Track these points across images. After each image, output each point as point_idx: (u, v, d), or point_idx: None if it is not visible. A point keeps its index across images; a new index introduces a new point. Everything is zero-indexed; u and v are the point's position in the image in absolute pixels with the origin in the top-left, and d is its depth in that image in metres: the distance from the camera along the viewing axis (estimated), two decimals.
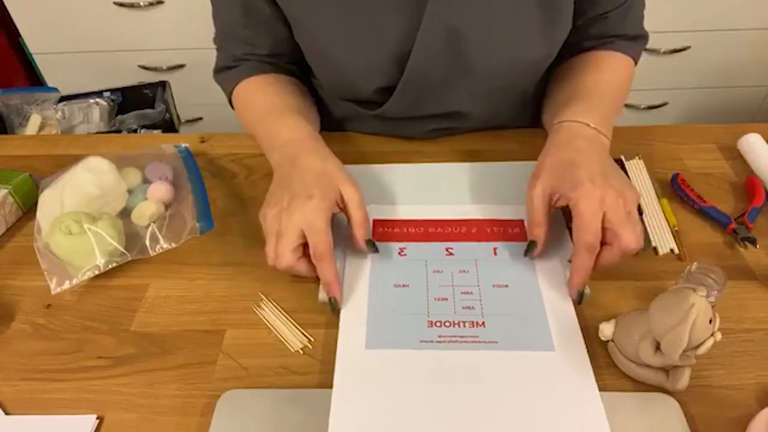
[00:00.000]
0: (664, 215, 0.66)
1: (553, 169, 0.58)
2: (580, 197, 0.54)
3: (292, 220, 0.55)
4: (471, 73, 0.68)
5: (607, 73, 0.71)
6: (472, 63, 0.67)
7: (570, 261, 0.56)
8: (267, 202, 0.59)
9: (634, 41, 0.73)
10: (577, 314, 0.54)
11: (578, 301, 0.55)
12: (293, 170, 0.60)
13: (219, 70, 0.77)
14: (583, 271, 0.54)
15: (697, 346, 0.46)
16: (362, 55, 0.67)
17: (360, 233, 0.58)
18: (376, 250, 0.59)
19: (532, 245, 0.58)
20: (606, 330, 0.52)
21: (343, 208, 0.58)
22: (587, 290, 0.56)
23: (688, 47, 1.71)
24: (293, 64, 0.76)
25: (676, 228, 0.64)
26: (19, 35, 1.69)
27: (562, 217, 0.65)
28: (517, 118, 0.80)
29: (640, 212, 0.66)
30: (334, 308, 0.55)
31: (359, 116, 0.76)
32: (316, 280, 0.56)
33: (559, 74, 0.74)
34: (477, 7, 0.63)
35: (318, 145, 0.63)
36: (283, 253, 0.55)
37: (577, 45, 0.72)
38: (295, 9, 0.67)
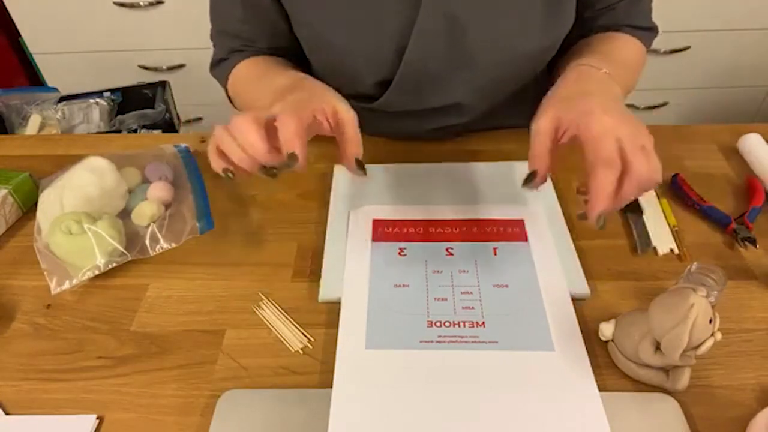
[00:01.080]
0: (664, 215, 0.66)
1: (561, 101, 0.53)
2: (591, 121, 0.49)
3: (275, 107, 0.51)
4: (470, 65, 0.67)
5: (619, 47, 0.70)
6: (471, 53, 0.66)
7: (580, 217, 0.50)
8: None
9: (645, 31, 0.73)
10: (577, 314, 0.54)
11: (599, 226, 0.48)
12: (290, 91, 0.56)
13: (215, 63, 0.77)
14: (603, 190, 0.47)
15: (697, 346, 0.46)
16: (361, 45, 0.66)
17: (352, 151, 0.53)
18: (364, 173, 0.54)
19: (530, 176, 0.52)
20: (606, 330, 0.52)
21: (333, 125, 0.54)
22: (604, 219, 0.49)
23: (688, 47, 1.71)
24: (292, 57, 0.75)
25: (676, 228, 0.64)
26: (19, 35, 1.69)
27: (561, 216, 0.65)
28: (517, 114, 0.79)
29: (640, 212, 0.66)
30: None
31: (358, 113, 0.76)
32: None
33: (569, 50, 0.72)
34: None
35: (320, 82, 0.59)
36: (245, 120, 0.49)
37: (584, 36, 0.72)
38: (295, 3, 0.66)
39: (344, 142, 0.54)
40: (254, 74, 0.72)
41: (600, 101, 0.51)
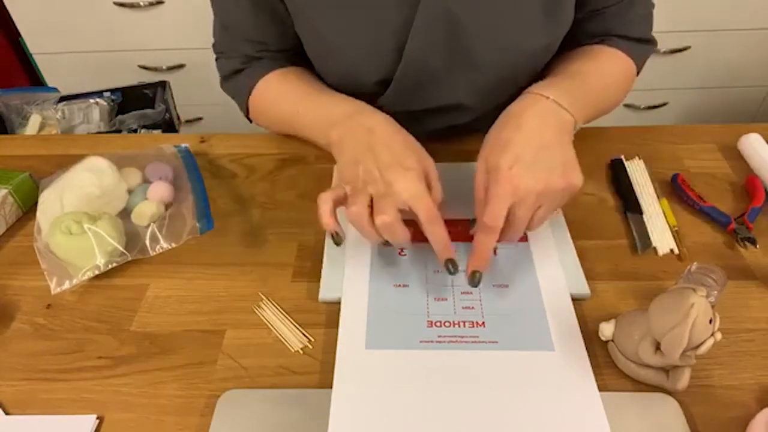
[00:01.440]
0: (664, 215, 0.66)
1: (487, 148, 0.57)
2: (493, 182, 0.53)
3: (393, 187, 0.53)
4: (470, 64, 0.67)
5: (595, 63, 0.69)
6: (471, 52, 0.66)
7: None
8: (346, 169, 0.57)
9: (637, 43, 0.71)
10: (577, 314, 0.54)
11: (471, 283, 0.54)
12: (373, 138, 0.57)
13: (228, 77, 0.76)
14: (478, 253, 0.53)
15: (697, 346, 0.46)
16: (360, 44, 0.66)
17: (437, 204, 0.56)
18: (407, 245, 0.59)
19: (473, 221, 0.58)
20: (606, 330, 0.52)
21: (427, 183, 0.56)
22: (479, 276, 0.54)
23: (688, 47, 1.71)
24: (299, 59, 0.75)
25: (676, 228, 0.64)
26: (19, 35, 1.69)
27: (562, 216, 0.65)
28: None
29: (640, 212, 0.66)
30: (451, 272, 0.54)
31: None
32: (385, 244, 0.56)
33: (551, 63, 0.72)
34: None
35: (387, 117, 0.61)
36: (386, 209, 0.52)
37: (575, 41, 0.71)
38: (297, 3, 0.66)
39: (429, 215, 0.54)
40: (292, 93, 0.71)
41: (513, 156, 0.53)
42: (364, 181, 0.54)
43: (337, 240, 0.55)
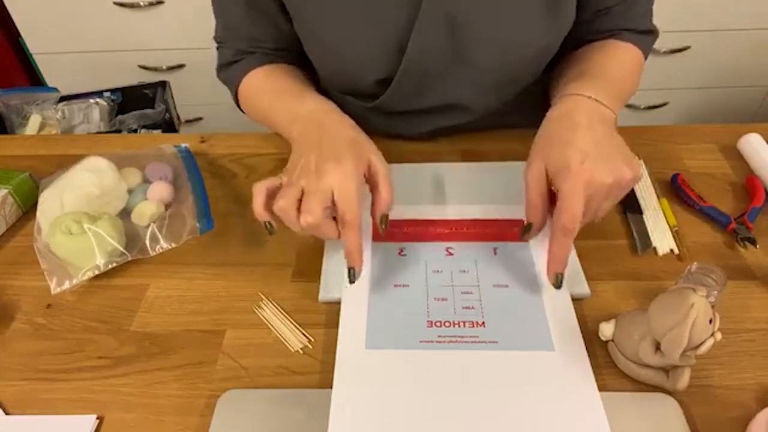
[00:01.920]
0: (664, 215, 0.66)
1: (546, 148, 0.56)
2: (563, 180, 0.52)
3: (323, 181, 0.52)
4: (471, 64, 0.67)
5: (613, 59, 0.69)
6: (471, 53, 0.66)
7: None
8: (291, 162, 0.57)
9: (642, 35, 0.72)
10: (577, 314, 0.54)
11: (556, 285, 0.54)
12: (322, 134, 0.57)
13: (223, 66, 0.76)
14: (558, 256, 0.53)
15: (697, 346, 0.46)
16: (361, 44, 0.66)
17: (383, 208, 0.56)
18: (386, 227, 0.57)
19: (528, 227, 0.56)
20: (606, 330, 0.52)
21: (369, 179, 0.56)
22: (565, 275, 0.54)
23: (688, 47, 1.71)
24: (296, 58, 0.76)
25: (676, 228, 0.64)
26: (19, 35, 1.69)
27: None
28: (519, 114, 0.79)
29: (640, 212, 0.66)
30: (352, 280, 0.55)
31: (358, 112, 0.76)
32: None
33: (565, 61, 0.73)
34: None
35: (344, 116, 0.62)
36: (312, 209, 0.52)
37: (582, 39, 0.72)
38: (296, 3, 0.66)
39: (378, 198, 0.56)
40: (270, 89, 0.71)
41: (578, 151, 0.53)
42: (299, 174, 0.54)
43: (269, 229, 0.55)
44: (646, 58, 0.74)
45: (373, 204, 0.57)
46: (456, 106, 0.73)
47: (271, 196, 0.55)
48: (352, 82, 0.72)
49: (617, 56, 0.70)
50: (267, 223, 0.55)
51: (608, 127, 0.57)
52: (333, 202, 0.53)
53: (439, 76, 0.69)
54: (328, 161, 0.54)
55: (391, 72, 0.68)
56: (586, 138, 0.54)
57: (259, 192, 0.55)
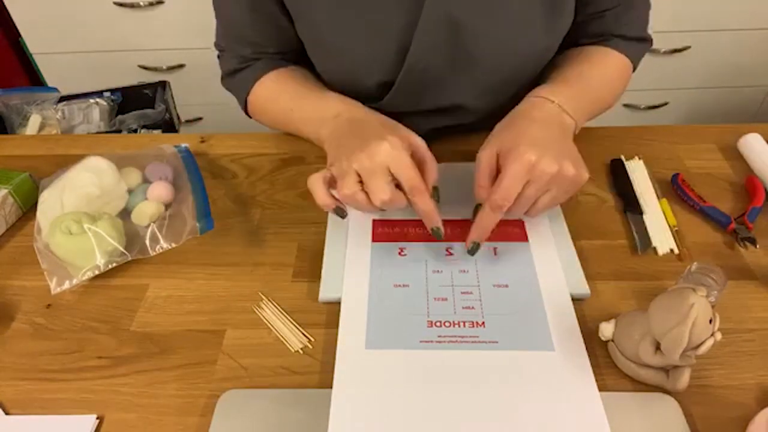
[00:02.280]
0: (664, 215, 0.66)
1: (500, 134, 0.58)
2: (510, 158, 0.53)
3: (375, 160, 0.53)
4: (472, 66, 0.68)
5: (595, 66, 0.70)
6: (473, 55, 0.66)
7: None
8: (331, 157, 0.59)
9: (635, 42, 0.72)
10: (577, 314, 0.54)
11: (470, 253, 0.58)
12: (357, 126, 0.60)
13: (228, 74, 0.77)
14: (481, 226, 0.56)
15: (697, 346, 0.46)
16: (363, 47, 0.66)
17: (432, 177, 0.58)
18: (438, 199, 0.59)
19: (477, 207, 0.58)
20: (606, 330, 0.52)
21: (417, 153, 0.58)
22: (482, 244, 0.58)
23: (688, 47, 1.71)
24: (299, 59, 0.76)
25: (676, 228, 0.64)
26: (19, 35, 1.69)
27: (562, 216, 0.65)
28: None
29: (640, 212, 0.66)
30: (440, 237, 0.57)
31: None
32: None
33: (551, 62, 0.73)
34: None
35: (369, 109, 0.64)
36: (381, 187, 0.53)
37: (573, 40, 0.72)
38: (299, 7, 0.66)
39: (427, 169, 0.58)
40: (285, 93, 0.72)
41: (530, 139, 0.55)
42: (348, 162, 0.55)
43: (341, 214, 0.57)
44: (636, 67, 0.75)
45: (424, 176, 0.57)
46: (456, 107, 0.74)
47: (327, 186, 0.57)
48: (352, 84, 0.72)
49: (602, 64, 0.71)
50: (338, 209, 0.57)
51: (563, 132, 0.60)
52: (391, 176, 0.54)
53: (440, 79, 0.69)
54: (371, 142, 0.54)
55: (393, 74, 0.68)
56: (540, 133, 0.57)
57: (316, 184, 0.56)
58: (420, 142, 0.58)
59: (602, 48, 0.72)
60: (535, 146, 0.53)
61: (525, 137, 0.55)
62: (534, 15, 0.64)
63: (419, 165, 0.57)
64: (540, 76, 0.76)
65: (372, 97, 0.72)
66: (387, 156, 0.53)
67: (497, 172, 0.56)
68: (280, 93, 0.73)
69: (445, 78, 0.69)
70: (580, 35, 0.72)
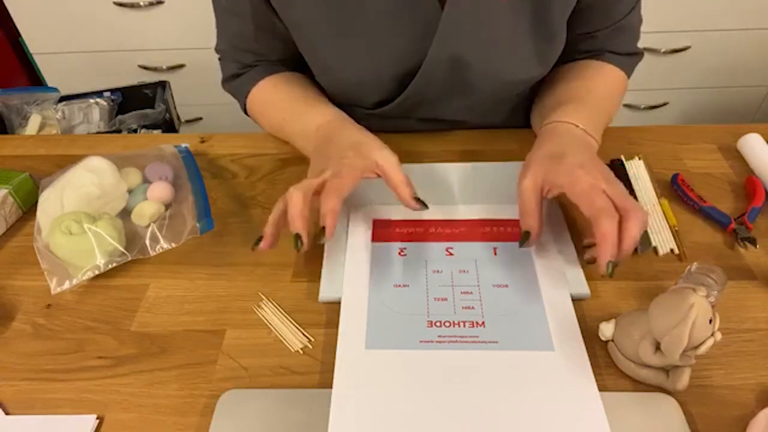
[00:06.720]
0: (664, 215, 0.66)
1: (541, 161, 0.58)
2: (574, 181, 0.54)
3: (325, 174, 0.56)
4: (469, 92, 0.71)
5: (596, 81, 0.72)
6: (470, 83, 0.69)
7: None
8: (314, 167, 0.61)
9: (627, 56, 0.75)
10: (577, 314, 0.54)
11: (610, 273, 0.51)
12: (330, 145, 0.62)
13: (228, 79, 0.78)
14: (608, 238, 0.51)
15: (697, 346, 0.46)
16: (361, 71, 0.68)
17: (405, 192, 0.57)
18: (426, 206, 0.58)
19: (526, 235, 0.57)
20: (606, 330, 0.52)
21: (381, 173, 0.59)
22: (613, 266, 0.52)
23: (688, 47, 1.71)
24: (299, 66, 0.76)
25: (676, 228, 0.64)
26: (19, 35, 1.69)
27: (562, 216, 0.65)
28: (510, 119, 0.82)
29: None
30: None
31: (356, 116, 0.77)
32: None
33: (549, 80, 0.76)
34: (480, 37, 0.65)
35: (349, 122, 0.66)
36: (344, 174, 0.56)
37: (567, 57, 0.74)
38: (297, 25, 0.67)
39: (395, 187, 0.58)
40: (279, 102, 0.74)
41: (577, 160, 0.56)
42: (327, 163, 0.57)
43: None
44: (629, 77, 0.76)
45: (397, 193, 0.58)
46: (451, 121, 0.78)
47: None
48: (349, 99, 0.74)
49: (601, 80, 0.73)
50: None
51: (594, 153, 0.61)
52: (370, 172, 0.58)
53: (436, 101, 0.72)
54: (331, 160, 0.58)
55: (390, 96, 0.71)
56: (579, 156, 0.57)
57: (295, 205, 0.56)
58: (386, 161, 0.58)
59: (599, 63, 0.74)
60: (584, 167, 0.55)
61: (571, 160, 0.56)
62: (528, 50, 0.67)
63: (387, 182, 0.58)
64: (533, 91, 0.80)
65: (368, 109, 0.75)
66: (334, 170, 0.56)
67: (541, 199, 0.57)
68: (273, 102, 0.74)
69: (442, 99, 0.72)
70: (573, 52, 0.74)
